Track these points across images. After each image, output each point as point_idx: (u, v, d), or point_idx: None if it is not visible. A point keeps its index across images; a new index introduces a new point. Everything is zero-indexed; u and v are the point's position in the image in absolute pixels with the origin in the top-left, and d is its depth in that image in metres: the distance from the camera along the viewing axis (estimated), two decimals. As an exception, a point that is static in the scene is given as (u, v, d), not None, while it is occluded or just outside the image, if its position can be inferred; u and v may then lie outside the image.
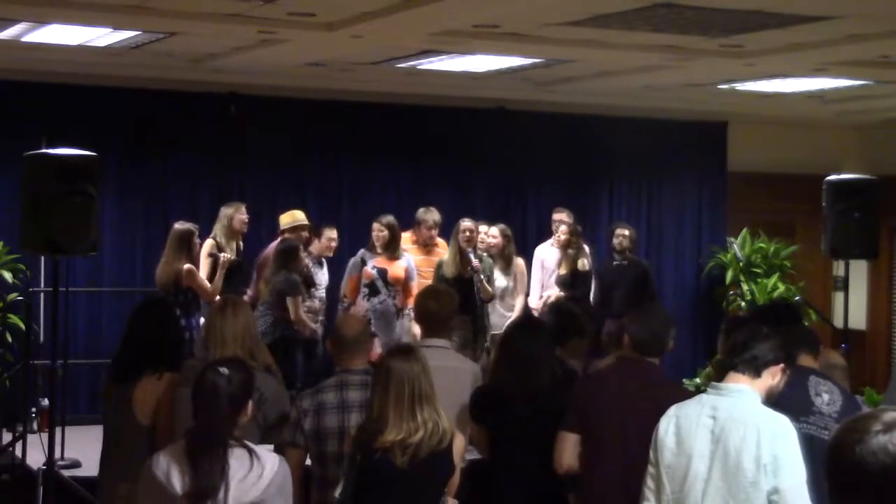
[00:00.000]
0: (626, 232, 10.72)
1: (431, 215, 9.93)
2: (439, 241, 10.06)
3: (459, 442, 4.69)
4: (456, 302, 6.08)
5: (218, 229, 9.36)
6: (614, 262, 10.71)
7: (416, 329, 8.77)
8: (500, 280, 9.80)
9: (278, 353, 7.88)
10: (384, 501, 4.49)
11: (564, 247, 10.17)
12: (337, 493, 4.56)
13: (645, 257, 11.70)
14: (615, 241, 10.74)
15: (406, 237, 9.97)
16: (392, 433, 4.42)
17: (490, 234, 9.90)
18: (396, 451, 4.42)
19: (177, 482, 3.71)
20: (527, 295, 10.20)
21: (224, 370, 3.83)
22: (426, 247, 9.93)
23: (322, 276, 9.72)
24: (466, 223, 9.41)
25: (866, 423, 2.20)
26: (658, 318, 5.22)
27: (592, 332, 9.98)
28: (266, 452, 3.85)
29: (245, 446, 3.79)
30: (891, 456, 2.13)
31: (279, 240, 9.51)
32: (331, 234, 9.71)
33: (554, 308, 7.23)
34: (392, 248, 9.42)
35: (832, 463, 2.24)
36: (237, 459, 3.74)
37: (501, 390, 5.38)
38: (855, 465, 2.16)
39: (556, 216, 10.60)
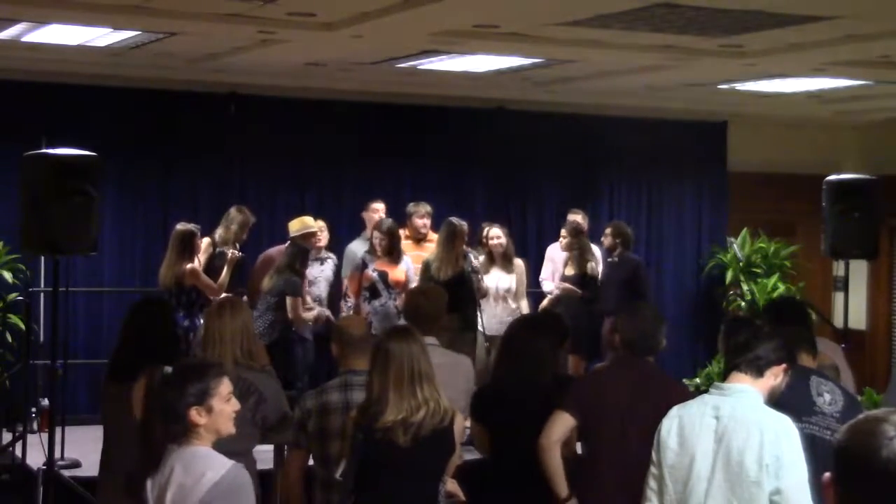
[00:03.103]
0: (608, 230, 10.73)
1: (423, 207, 10.09)
2: (432, 235, 10.12)
3: (460, 421, 4.70)
4: (445, 300, 6.07)
5: (221, 230, 9.37)
6: (608, 260, 10.74)
7: None
8: (503, 280, 9.79)
9: (277, 353, 7.88)
10: (386, 480, 4.51)
11: (567, 248, 10.17)
12: (338, 473, 4.56)
13: (645, 257, 11.70)
14: (603, 240, 10.78)
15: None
16: (393, 413, 4.43)
17: (493, 234, 9.91)
18: (398, 430, 4.43)
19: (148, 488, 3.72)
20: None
21: (168, 369, 3.72)
22: (417, 240, 10.00)
23: (319, 273, 9.72)
24: (464, 226, 9.40)
25: (881, 426, 2.18)
26: (647, 317, 5.22)
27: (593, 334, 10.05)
28: (218, 459, 3.68)
29: (197, 450, 3.66)
30: None
31: (288, 244, 9.52)
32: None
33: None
34: (395, 253, 9.44)
35: (852, 469, 2.20)
36: (181, 463, 3.62)
37: (502, 389, 5.37)
38: (882, 469, 2.15)
39: (570, 216, 10.67)
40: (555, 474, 4.99)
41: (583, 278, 10.05)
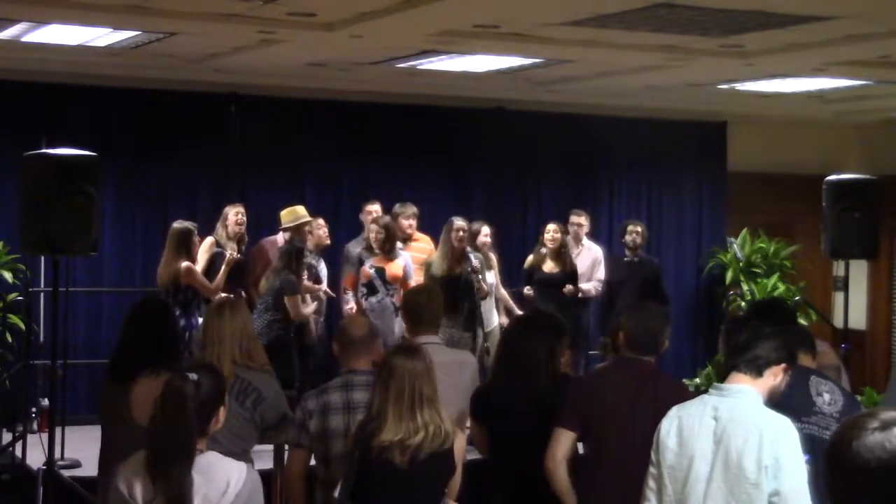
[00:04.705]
0: (639, 229, 10.73)
1: (409, 208, 10.10)
2: (419, 235, 10.11)
3: (461, 442, 4.67)
4: (442, 299, 6.07)
5: (218, 228, 9.42)
6: (625, 259, 10.70)
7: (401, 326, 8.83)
8: (489, 277, 9.82)
9: (274, 353, 7.87)
10: (382, 500, 4.48)
11: (556, 246, 10.14)
12: (336, 493, 4.54)
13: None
14: (628, 238, 10.74)
15: None
16: (390, 433, 4.39)
17: (484, 232, 9.94)
18: (395, 450, 4.40)
19: (139, 495, 3.52)
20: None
21: (193, 376, 3.59)
22: (403, 241, 9.99)
23: (323, 271, 9.73)
24: (460, 222, 9.43)
25: (864, 420, 2.30)
26: (654, 316, 5.22)
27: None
28: (232, 463, 3.65)
29: (210, 457, 3.59)
30: (887, 452, 2.24)
31: (281, 237, 9.50)
32: (319, 223, 9.77)
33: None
34: (389, 248, 9.44)
35: (830, 458, 2.33)
36: (201, 473, 3.53)
37: (501, 389, 5.37)
38: (851, 460, 2.26)
39: (572, 218, 10.68)
40: (564, 492, 5.00)
41: (567, 275, 10.04)
